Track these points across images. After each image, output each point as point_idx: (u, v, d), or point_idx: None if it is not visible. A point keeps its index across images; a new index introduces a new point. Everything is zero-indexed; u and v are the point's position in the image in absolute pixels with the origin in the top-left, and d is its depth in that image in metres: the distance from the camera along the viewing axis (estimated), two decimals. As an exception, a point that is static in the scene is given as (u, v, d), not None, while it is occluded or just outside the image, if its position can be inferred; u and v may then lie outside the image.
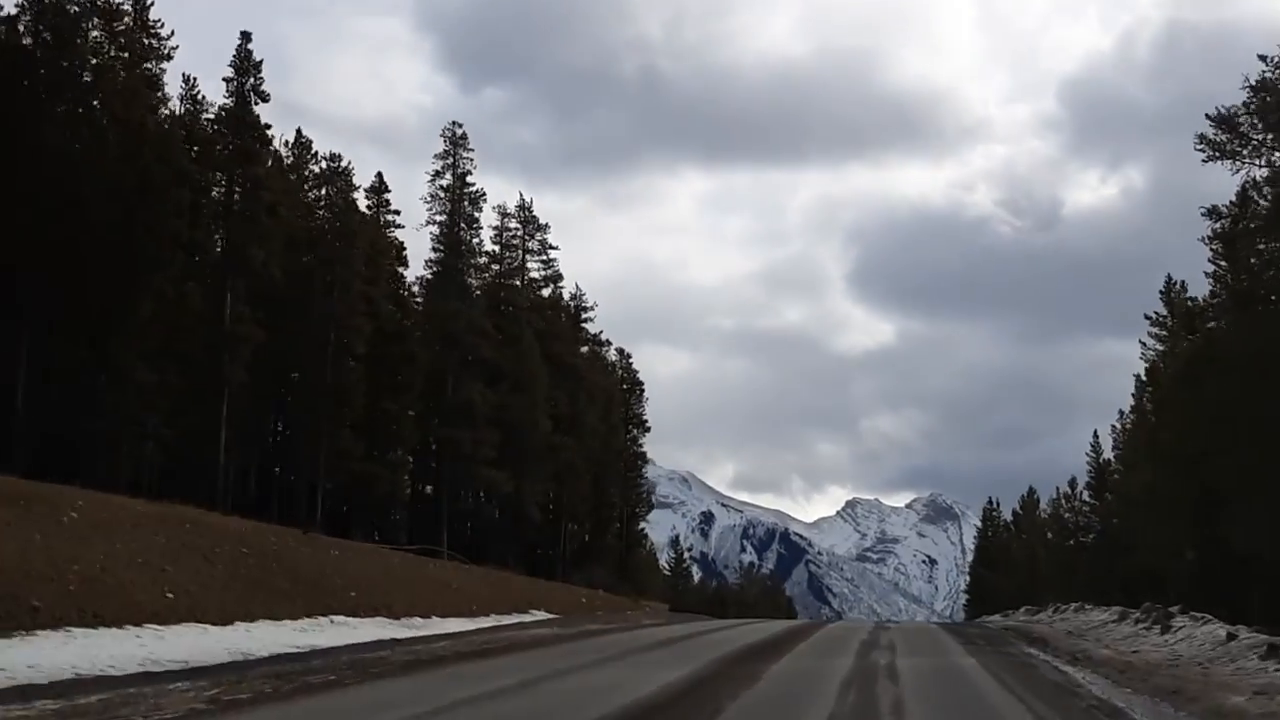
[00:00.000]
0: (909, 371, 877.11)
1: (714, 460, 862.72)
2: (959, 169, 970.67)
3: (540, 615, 34.54)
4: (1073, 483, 67.94)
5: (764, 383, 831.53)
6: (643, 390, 73.90)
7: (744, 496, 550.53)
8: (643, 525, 78.25)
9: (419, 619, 26.81)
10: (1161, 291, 49.16)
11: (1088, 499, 67.76)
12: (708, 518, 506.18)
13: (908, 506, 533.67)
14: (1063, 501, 68.89)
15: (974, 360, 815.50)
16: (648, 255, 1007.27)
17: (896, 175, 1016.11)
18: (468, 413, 47.61)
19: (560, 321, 60.69)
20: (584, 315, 63.35)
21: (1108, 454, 66.08)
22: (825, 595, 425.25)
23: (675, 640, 21.42)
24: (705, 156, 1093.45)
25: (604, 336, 66.02)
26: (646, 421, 73.97)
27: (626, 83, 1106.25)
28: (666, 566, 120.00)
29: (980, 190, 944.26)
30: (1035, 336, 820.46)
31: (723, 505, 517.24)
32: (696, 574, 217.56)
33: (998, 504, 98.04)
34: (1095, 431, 67.08)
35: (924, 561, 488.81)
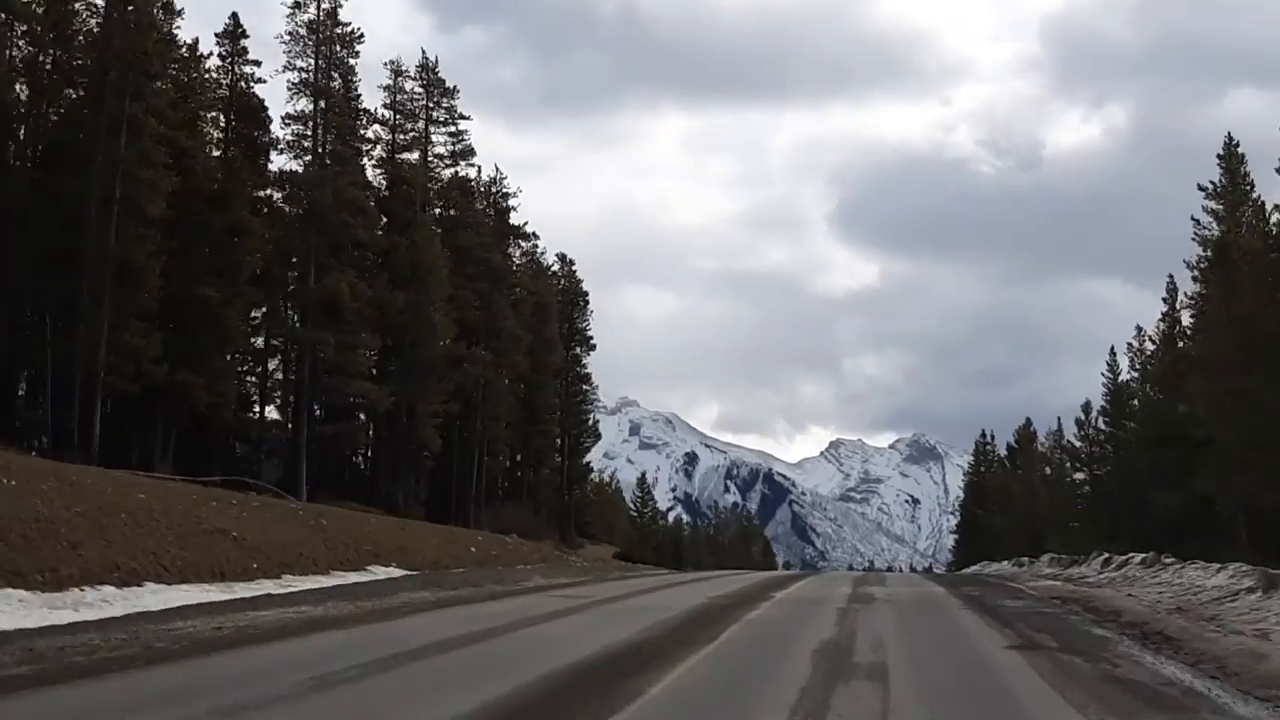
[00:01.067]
0: (891, 312, 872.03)
1: (698, 401, 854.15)
2: (941, 109, 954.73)
3: (386, 573, 24.77)
4: (1086, 407, 57.66)
5: (747, 324, 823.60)
6: (586, 302, 63.21)
7: (728, 437, 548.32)
8: (589, 459, 67.93)
9: (109, 589, 16.26)
10: (1220, 156, 38.64)
11: (1103, 426, 57.52)
12: (691, 458, 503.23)
13: (891, 447, 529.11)
14: (1074, 429, 58.71)
15: (956, 300, 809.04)
16: (630, 196, 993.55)
17: (878, 115, 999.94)
18: (333, 309, 36.77)
19: (475, 208, 49.56)
20: (505, 204, 52.10)
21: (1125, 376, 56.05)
22: (809, 535, 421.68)
23: (479, 639, 10.98)
24: (687, 96, 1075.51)
25: (529, 229, 54.78)
26: (591, 338, 63.42)
27: (606, 21, 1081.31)
28: (633, 506, 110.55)
29: (962, 130, 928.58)
30: (1017, 277, 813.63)
31: (706, 446, 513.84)
32: (680, 515, 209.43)
33: (992, 437, 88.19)
34: (1112, 348, 56.79)
35: (907, 501, 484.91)
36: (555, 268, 62.62)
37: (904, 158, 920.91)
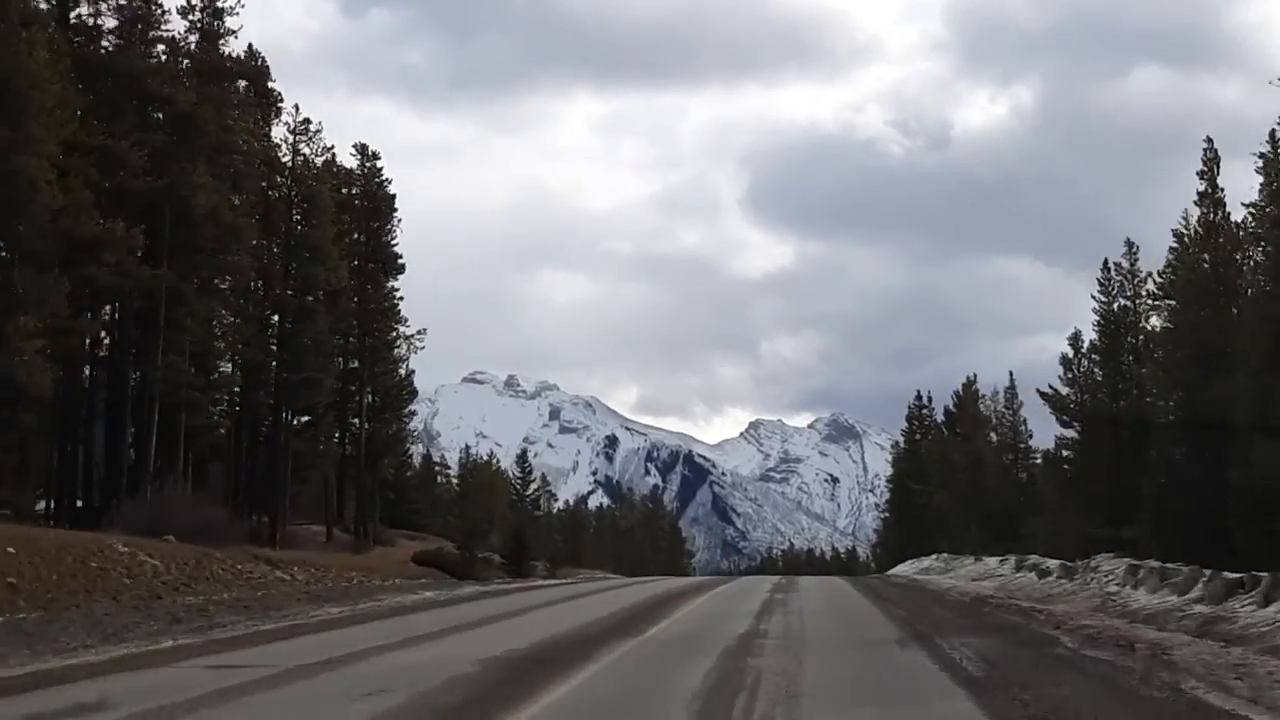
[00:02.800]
0: (807, 293, 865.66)
1: (617, 384, 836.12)
2: (850, 90, 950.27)
3: None
4: (1075, 338, 41.73)
5: (664, 306, 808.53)
6: (394, 209, 45.47)
7: (647, 420, 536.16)
8: (414, 425, 50.40)
9: None
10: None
11: (1097, 374, 41.75)
12: (612, 441, 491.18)
13: (810, 426, 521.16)
14: (1062, 373, 42.75)
15: (870, 281, 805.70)
16: (543, 180, 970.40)
17: (788, 96, 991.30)
18: None
19: (159, 23, 31.43)
20: (222, 27, 33.82)
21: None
22: (730, 516, 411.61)
23: None
24: (597, 78, 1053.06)
25: (269, 77, 36.39)
26: (400, 258, 45.71)
27: (514, 2, 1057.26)
28: (513, 489, 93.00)
29: (871, 111, 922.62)
30: (929, 256, 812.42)
31: (626, 429, 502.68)
32: (594, 500, 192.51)
33: (929, 399, 72.96)
34: (1106, 261, 41.14)
35: (826, 480, 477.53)
36: (352, 163, 44.94)
37: (814, 139, 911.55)
